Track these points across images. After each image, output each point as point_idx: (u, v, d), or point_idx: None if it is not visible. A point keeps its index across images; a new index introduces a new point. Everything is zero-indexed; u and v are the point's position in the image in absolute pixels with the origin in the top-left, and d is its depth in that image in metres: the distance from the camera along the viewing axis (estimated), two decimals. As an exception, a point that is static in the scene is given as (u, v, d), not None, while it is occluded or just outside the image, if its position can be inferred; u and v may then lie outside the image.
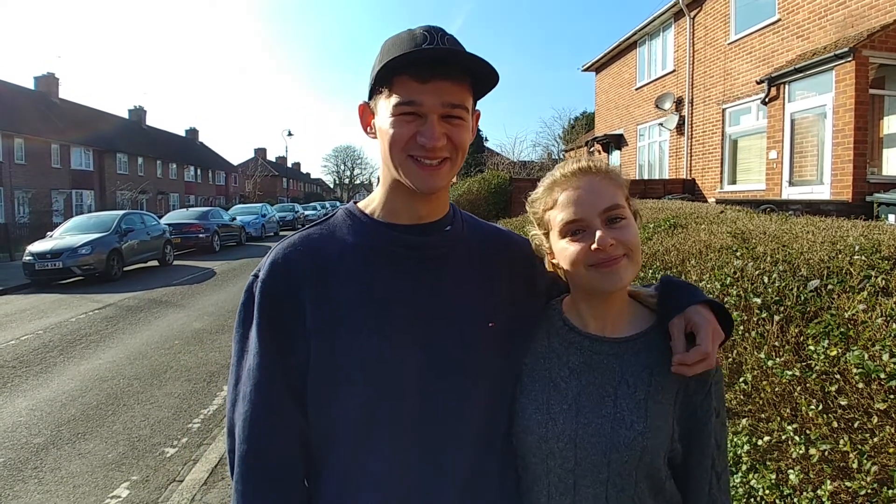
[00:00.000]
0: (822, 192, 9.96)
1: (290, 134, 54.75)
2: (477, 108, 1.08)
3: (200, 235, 20.25)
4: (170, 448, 4.53)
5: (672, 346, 1.02)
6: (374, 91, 1.02)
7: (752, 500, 2.03)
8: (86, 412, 5.27)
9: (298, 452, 1.03)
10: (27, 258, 13.34)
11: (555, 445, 1.05)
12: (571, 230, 1.03)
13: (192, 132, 57.91)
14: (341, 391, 1.00)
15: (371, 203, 1.12)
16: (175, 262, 17.33)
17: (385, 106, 0.99)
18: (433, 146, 0.96)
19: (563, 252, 1.05)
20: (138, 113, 47.91)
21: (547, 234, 1.10)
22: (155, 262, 16.63)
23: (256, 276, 1.04)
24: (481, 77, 1.01)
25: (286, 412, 1.01)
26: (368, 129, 1.07)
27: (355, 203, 1.14)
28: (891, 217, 7.65)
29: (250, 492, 1.00)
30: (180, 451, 4.48)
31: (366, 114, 1.07)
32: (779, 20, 11.49)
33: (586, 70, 21.58)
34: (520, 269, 1.14)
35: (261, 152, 71.49)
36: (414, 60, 0.94)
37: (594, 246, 1.00)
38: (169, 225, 18.49)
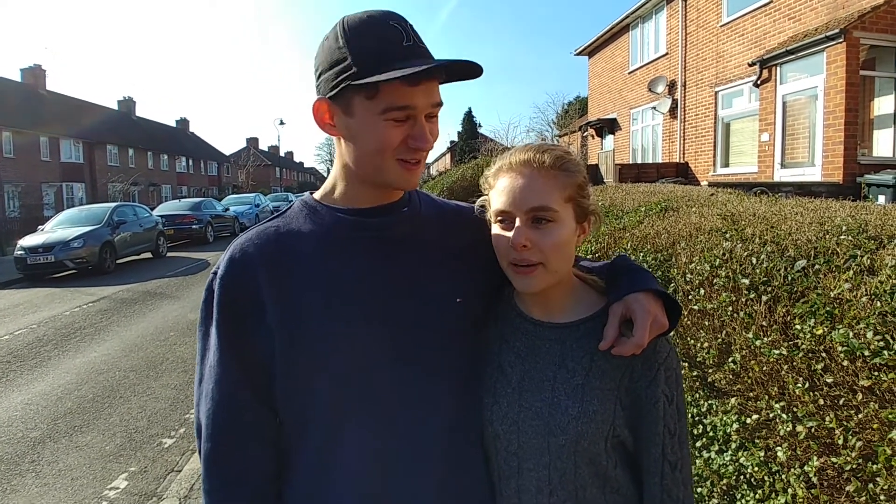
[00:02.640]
0: (813, 174, 10.00)
1: (282, 123, 53.96)
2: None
3: (194, 226, 20.16)
4: (167, 439, 4.55)
5: (605, 329, 1.01)
6: (342, 88, 0.94)
7: (741, 477, 2.07)
8: (82, 405, 5.28)
9: (265, 448, 1.02)
10: (19, 252, 13.26)
11: (499, 427, 1.06)
12: (500, 218, 1.04)
13: (183, 122, 57.41)
14: (310, 382, 0.99)
15: (328, 193, 1.09)
16: (169, 254, 17.26)
17: (367, 108, 0.94)
18: (425, 147, 0.96)
19: (493, 238, 1.07)
20: (127, 104, 47.41)
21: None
22: (148, 255, 16.55)
23: (216, 273, 1.02)
24: (456, 74, 0.99)
25: (250, 409, 1.00)
26: (331, 127, 1.00)
27: (311, 194, 1.12)
28: (880, 198, 7.69)
29: (217, 489, 0.99)
30: (178, 441, 4.50)
31: (325, 111, 0.99)
32: (770, 2, 11.44)
33: (579, 54, 21.49)
34: (482, 243, 1.12)
35: (253, 142, 71.09)
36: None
37: (509, 242, 1.01)
38: (161, 216, 18.39)
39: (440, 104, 0.98)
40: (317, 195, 1.10)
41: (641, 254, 2.89)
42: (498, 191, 1.05)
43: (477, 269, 1.12)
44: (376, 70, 0.90)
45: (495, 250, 1.07)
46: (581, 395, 1.02)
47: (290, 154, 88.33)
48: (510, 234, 1.01)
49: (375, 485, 1.00)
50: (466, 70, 0.96)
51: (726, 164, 13.48)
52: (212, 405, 0.99)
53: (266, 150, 73.78)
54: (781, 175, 10.80)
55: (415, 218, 1.10)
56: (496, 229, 1.06)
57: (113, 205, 16.10)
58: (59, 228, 14.26)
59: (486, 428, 1.08)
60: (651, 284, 1.05)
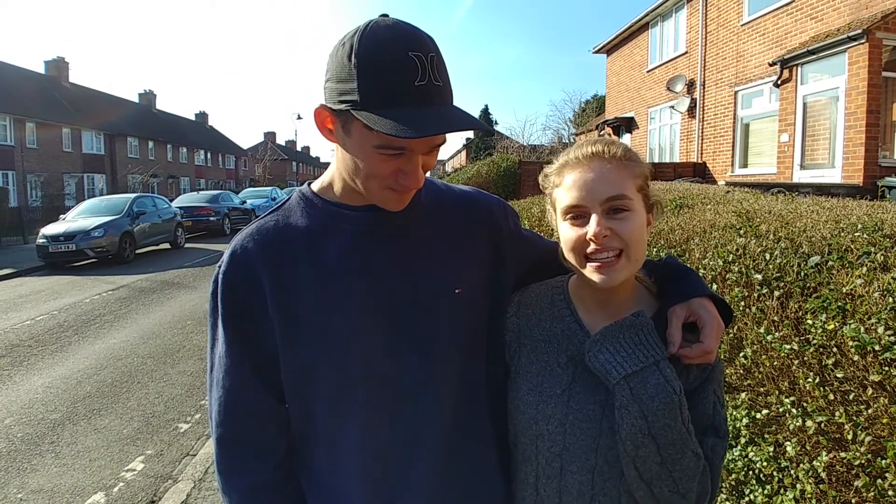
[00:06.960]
0: (833, 176, 9.87)
1: (299, 118, 54.22)
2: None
3: (211, 218, 20.43)
4: (183, 424, 4.64)
5: (667, 333, 0.99)
6: (344, 107, 0.89)
7: (750, 472, 2.08)
8: (101, 389, 5.39)
9: (273, 431, 1.06)
10: (41, 241, 13.53)
11: (544, 427, 1.03)
12: (572, 214, 1.01)
13: (202, 116, 58.04)
14: (310, 374, 1.02)
15: (326, 186, 1.07)
16: (186, 245, 17.51)
17: (363, 136, 0.89)
18: (412, 186, 0.93)
19: (562, 235, 1.04)
20: (148, 97, 48.03)
21: (555, 212, 1.08)
22: (167, 245, 16.79)
23: (220, 266, 1.05)
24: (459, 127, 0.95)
25: (256, 397, 1.03)
26: (331, 133, 0.95)
27: (309, 185, 1.10)
28: (901, 200, 7.58)
29: (227, 472, 1.04)
30: (193, 426, 4.59)
31: (327, 118, 0.94)
32: (792, 1, 11.29)
33: (597, 52, 21.36)
34: (484, 231, 1.12)
35: (270, 136, 71.55)
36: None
37: (588, 235, 0.97)
38: (180, 208, 18.65)
39: (442, 143, 0.94)
40: (315, 186, 1.09)
41: (655, 249, 2.89)
42: (567, 186, 1.02)
43: (480, 257, 1.11)
44: (378, 107, 0.85)
45: (565, 248, 1.04)
46: None
47: (306, 149, 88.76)
48: (583, 229, 0.99)
49: (377, 475, 1.03)
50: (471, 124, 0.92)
51: (745, 165, 13.34)
52: (222, 392, 1.03)
53: (283, 144, 74.27)
54: (800, 176, 10.67)
55: (412, 209, 1.04)
56: (566, 227, 1.03)
57: (133, 195, 16.37)
58: (80, 218, 14.52)
59: (528, 426, 1.06)
60: (709, 289, 1.05)
